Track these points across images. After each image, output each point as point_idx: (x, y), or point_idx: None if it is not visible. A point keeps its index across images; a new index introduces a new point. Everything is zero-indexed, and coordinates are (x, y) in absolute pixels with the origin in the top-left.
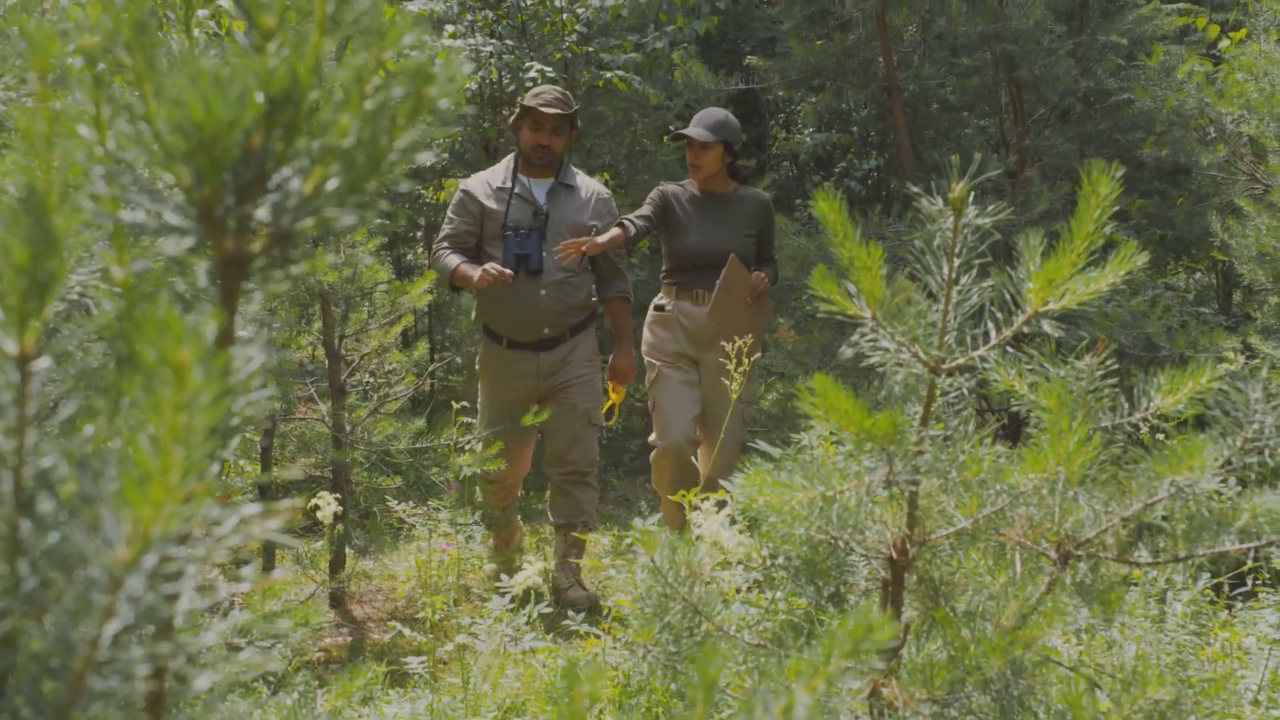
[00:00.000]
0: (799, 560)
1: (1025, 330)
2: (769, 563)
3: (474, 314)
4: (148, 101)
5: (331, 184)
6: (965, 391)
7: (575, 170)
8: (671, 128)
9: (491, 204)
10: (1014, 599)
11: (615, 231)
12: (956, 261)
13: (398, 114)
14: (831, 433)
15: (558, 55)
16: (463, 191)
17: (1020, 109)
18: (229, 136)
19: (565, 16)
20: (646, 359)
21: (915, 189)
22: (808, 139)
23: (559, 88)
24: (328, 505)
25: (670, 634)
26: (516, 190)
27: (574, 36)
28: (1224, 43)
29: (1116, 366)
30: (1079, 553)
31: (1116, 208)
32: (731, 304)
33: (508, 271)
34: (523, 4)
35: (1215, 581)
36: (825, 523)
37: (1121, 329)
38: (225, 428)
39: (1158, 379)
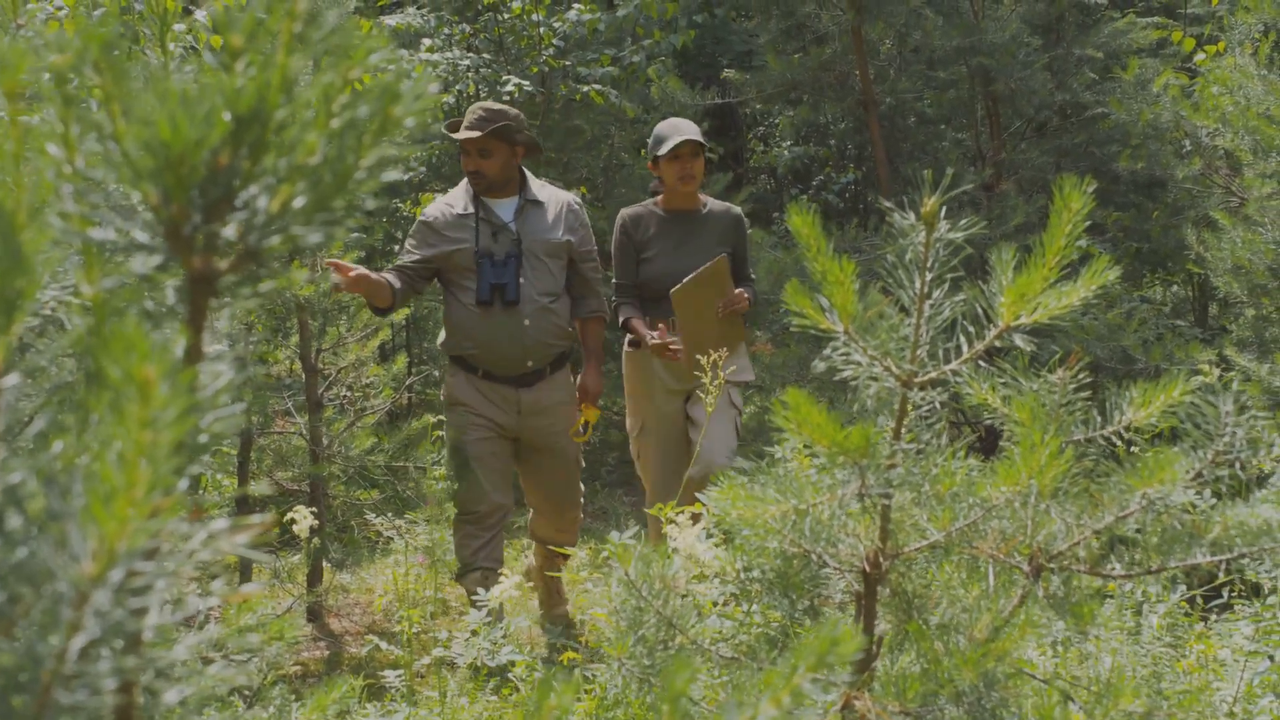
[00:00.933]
0: (772, 573)
1: (1000, 344)
2: (743, 576)
3: (440, 341)
4: (116, 120)
5: (298, 202)
6: (938, 405)
7: (541, 183)
8: (646, 148)
9: (455, 233)
10: (987, 612)
11: (634, 324)
12: (929, 276)
13: (365, 132)
14: (805, 446)
15: (535, 69)
16: (421, 223)
17: (996, 122)
18: (196, 155)
19: (542, 30)
20: (629, 401)
21: (888, 203)
22: (785, 152)
23: (491, 103)
24: (304, 520)
25: (644, 647)
26: (481, 215)
27: (551, 50)
28: (1199, 56)
29: (1089, 380)
30: (1051, 565)
31: (1091, 221)
32: (702, 301)
33: (352, 272)
34: (500, 18)
35: (1191, 594)
36: (798, 536)
37: (1098, 342)
38: (194, 444)
39: (1130, 392)
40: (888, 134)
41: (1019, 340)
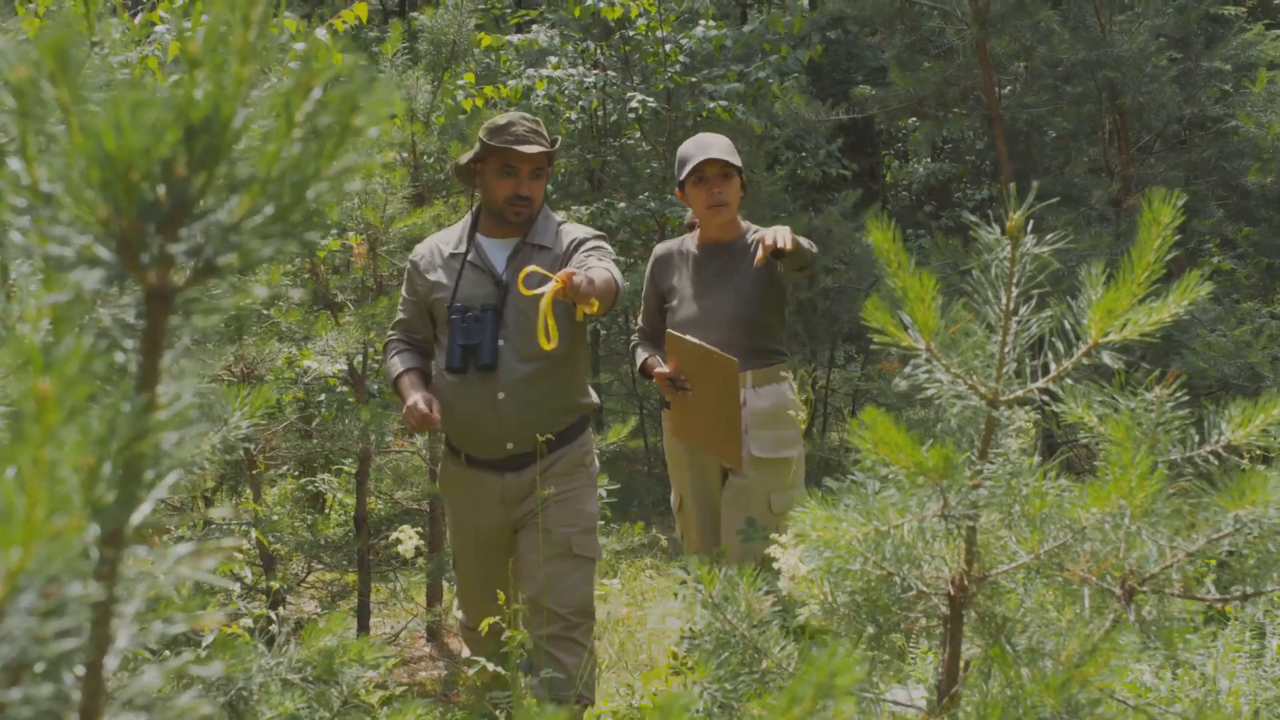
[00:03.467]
0: (859, 595)
1: (1091, 361)
2: (830, 599)
3: None
4: (74, 133)
5: (256, 214)
6: (1023, 424)
7: (552, 218)
8: (768, 165)
9: (438, 277)
10: (1075, 636)
11: (649, 361)
12: (1015, 291)
13: (327, 142)
14: (883, 465)
15: (660, 86)
16: (410, 263)
17: (1124, 136)
18: (144, 165)
19: (668, 47)
20: (670, 473)
21: (972, 218)
22: (921, 169)
23: (529, 115)
24: (409, 540)
25: (728, 670)
26: (470, 257)
27: (677, 66)
28: None
29: (1187, 398)
30: (1144, 589)
31: (1221, 236)
32: (702, 378)
33: (434, 417)
34: (626, 35)
35: None
36: (880, 558)
37: (1224, 359)
38: (153, 462)
39: (1230, 410)
40: (1021, 150)
41: (1107, 357)
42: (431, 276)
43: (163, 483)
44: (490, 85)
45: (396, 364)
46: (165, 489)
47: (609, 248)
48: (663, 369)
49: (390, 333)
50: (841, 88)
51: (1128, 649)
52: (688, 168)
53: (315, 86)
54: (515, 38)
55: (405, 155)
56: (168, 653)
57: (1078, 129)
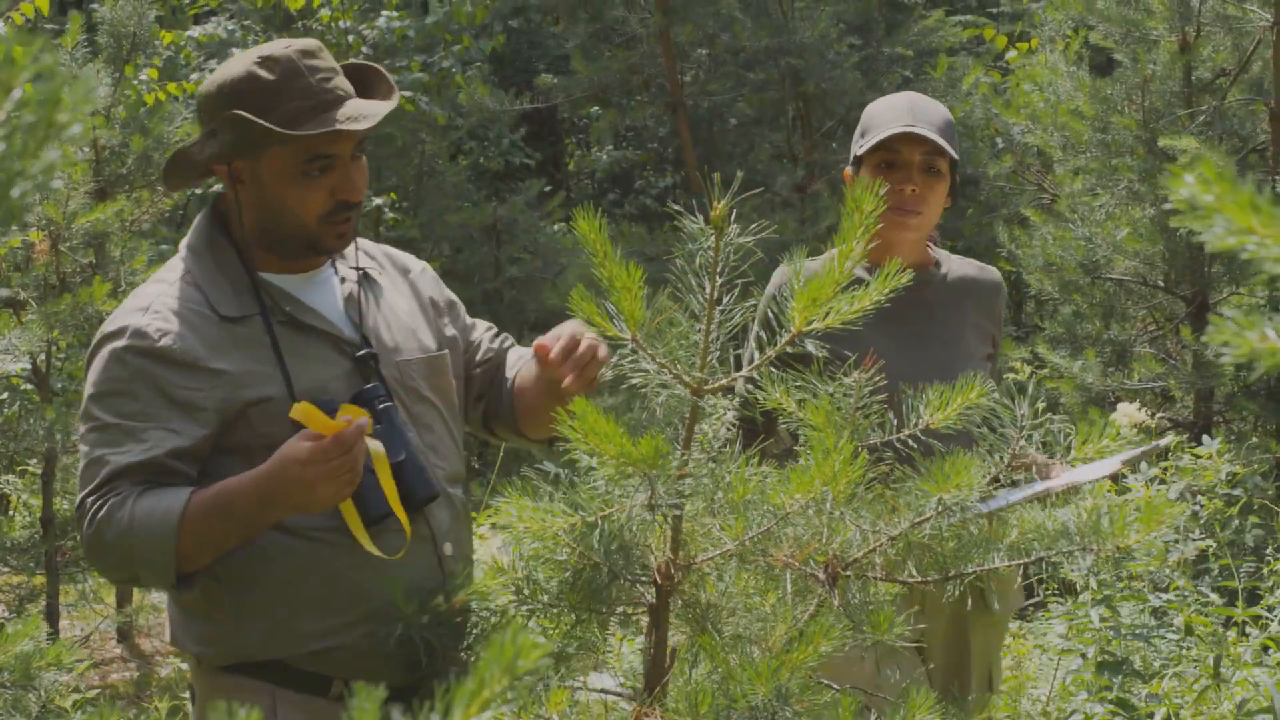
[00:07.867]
0: (560, 585)
1: (796, 350)
2: (526, 589)
3: (199, 635)
4: None
5: None
6: (725, 412)
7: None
8: (466, 154)
9: (236, 365)
10: (781, 622)
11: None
12: (719, 280)
13: (29, 140)
14: (592, 455)
15: None
16: (134, 355)
17: (807, 123)
18: None
19: (351, 39)
20: None
21: (676, 207)
22: (604, 157)
23: (305, 42)
24: None
25: None
26: (285, 314)
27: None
28: (1011, 54)
29: (885, 382)
30: (847, 573)
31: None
32: None
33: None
34: (309, 25)
35: None
36: (588, 548)
37: None
38: None
39: (927, 394)
40: (705, 137)
41: (810, 346)
42: (218, 364)
43: None
44: (173, 81)
45: (160, 501)
46: None
47: None
48: None
49: (104, 491)
50: (525, 77)
51: (837, 634)
52: (873, 137)
53: (16, 86)
54: (196, 31)
55: (87, 150)
56: None
57: (761, 115)
